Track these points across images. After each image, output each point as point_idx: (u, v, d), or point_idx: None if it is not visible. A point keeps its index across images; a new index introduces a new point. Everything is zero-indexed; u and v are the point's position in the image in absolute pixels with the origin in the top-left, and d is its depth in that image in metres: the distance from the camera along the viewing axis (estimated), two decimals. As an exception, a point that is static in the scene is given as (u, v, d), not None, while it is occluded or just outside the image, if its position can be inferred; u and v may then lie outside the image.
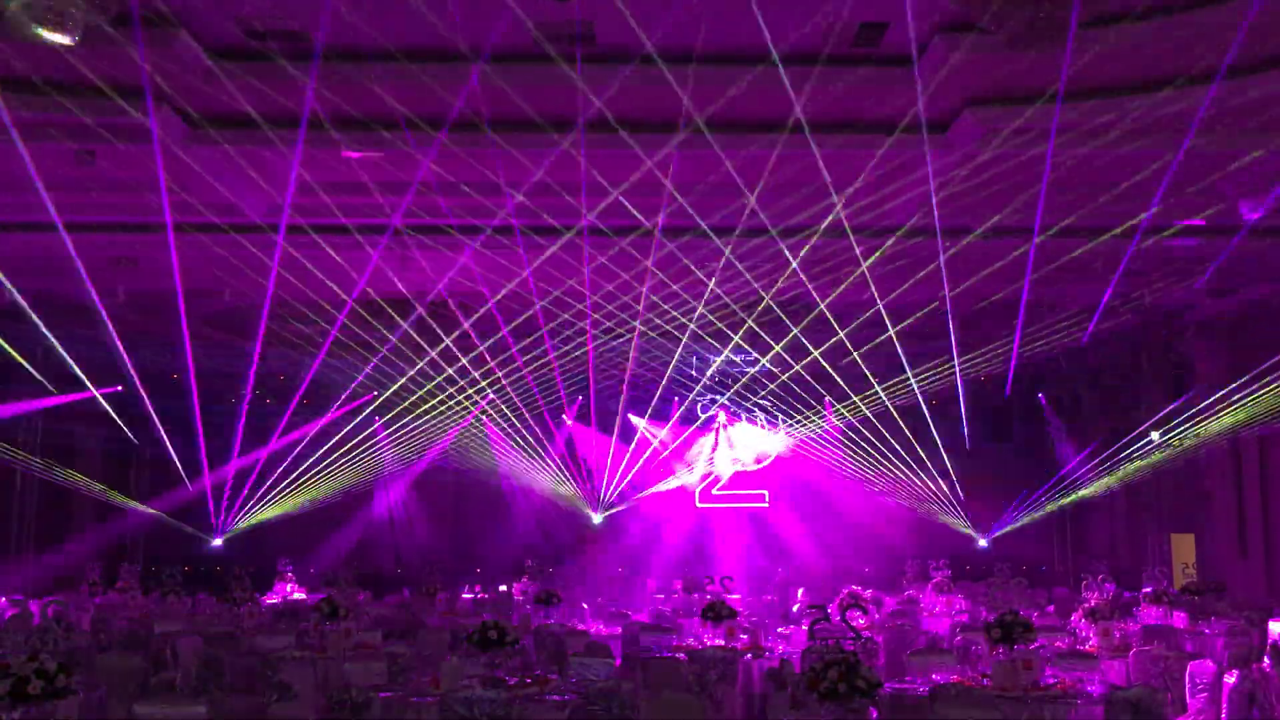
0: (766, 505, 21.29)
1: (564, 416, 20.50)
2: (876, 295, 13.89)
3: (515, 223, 12.00)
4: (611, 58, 8.80)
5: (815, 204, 11.53)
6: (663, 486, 21.26)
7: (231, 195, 11.43)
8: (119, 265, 13.99)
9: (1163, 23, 8.15)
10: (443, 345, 15.93)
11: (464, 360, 16.74)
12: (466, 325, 15.29)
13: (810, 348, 16.26)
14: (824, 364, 16.84)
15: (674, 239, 12.45)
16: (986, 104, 9.65)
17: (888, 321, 14.69)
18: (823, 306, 14.45)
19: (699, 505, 21.35)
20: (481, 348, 16.37)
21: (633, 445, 21.00)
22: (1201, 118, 9.50)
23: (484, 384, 17.94)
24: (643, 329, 15.74)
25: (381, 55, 8.75)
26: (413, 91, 9.19)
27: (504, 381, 17.95)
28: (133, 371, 15.38)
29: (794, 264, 13.02)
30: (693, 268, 13.40)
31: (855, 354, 16.07)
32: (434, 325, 15.54)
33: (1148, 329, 15.59)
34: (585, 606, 13.80)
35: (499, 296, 14.50)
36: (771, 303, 14.62)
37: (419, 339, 15.91)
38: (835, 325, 15.03)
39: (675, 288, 14.38)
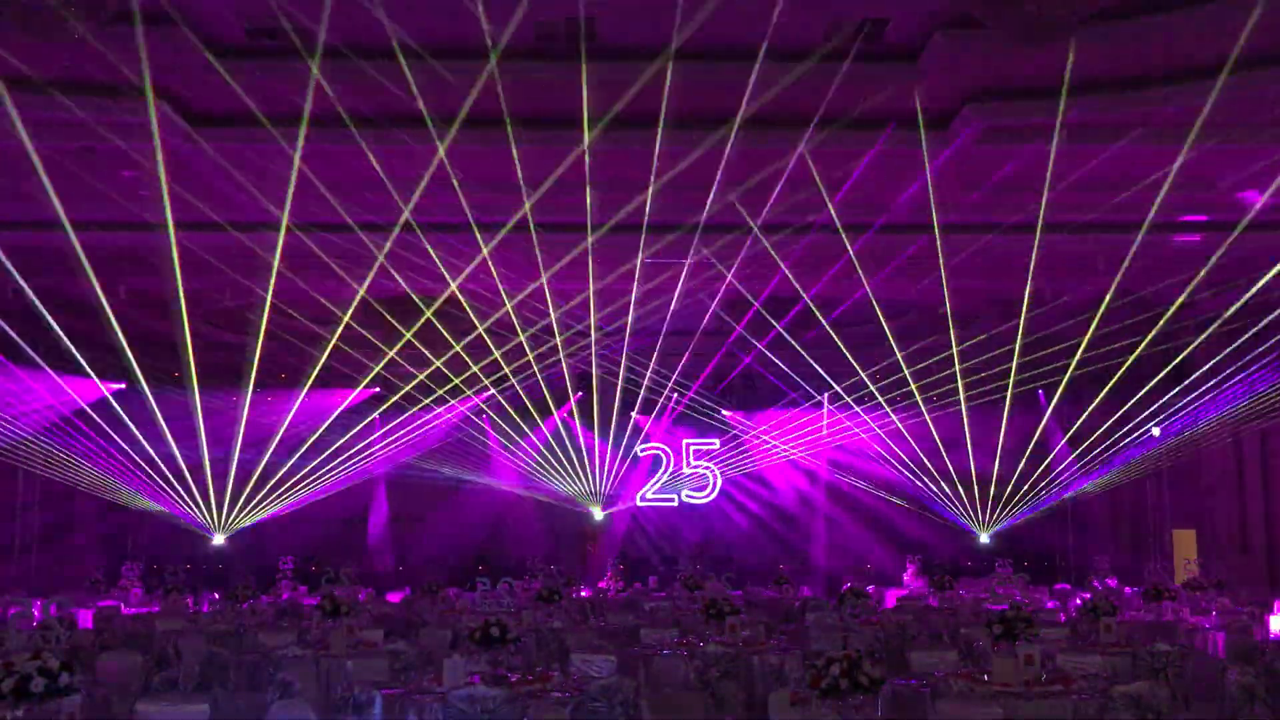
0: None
1: (565, 416, 20.48)
2: (870, 291, 13.90)
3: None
4: (611, 55, 8.80)
5: (813, 200, 11.54)
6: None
7: (236, 193, 11.45)
8: (120, 263, 14.00)
9: (1163, 19, 8.15)
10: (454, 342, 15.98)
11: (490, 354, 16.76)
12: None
13: (801, 349, 16.27)
14: (817, 365, 16.86)
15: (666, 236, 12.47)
16: (987, 100, 9.64)
17: (883, 318, 14.73)
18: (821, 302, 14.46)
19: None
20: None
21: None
22: (1201, 114, 9.52)
23: (487, 379, 17.94)
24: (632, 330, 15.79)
25: (384, 53, 8.76)
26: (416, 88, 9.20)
27: (512, 378, 17.96)
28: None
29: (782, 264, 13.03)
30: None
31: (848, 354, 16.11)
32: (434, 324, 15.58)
33: (1148, 325, 15.58)
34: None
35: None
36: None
37: (419, 338, 15.95)
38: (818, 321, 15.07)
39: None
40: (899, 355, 16.04)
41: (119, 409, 16.88)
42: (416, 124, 9.62)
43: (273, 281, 13.51)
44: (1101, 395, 17.22)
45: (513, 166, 10.50)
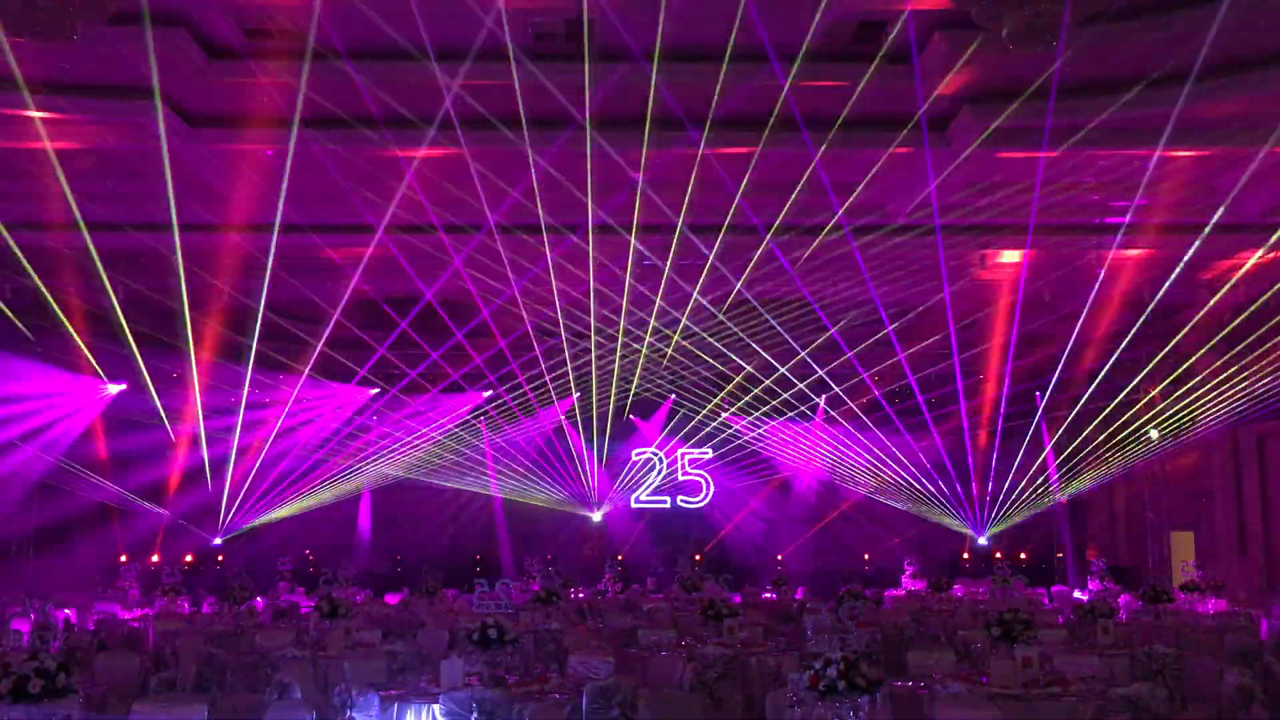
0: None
1: (561, 419, 20.45)
2: (874, 293, 13.88)
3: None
4: (608, 56, 8.80)
5: (813, 202, 11.55)
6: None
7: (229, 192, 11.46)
8: (119, 264, 13.98)
9: (1163, 20, 8.16)
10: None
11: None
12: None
13: (798, 349, 16.24)
14: (815, 365, 16.84)
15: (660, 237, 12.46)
16: (986, 102, 9.64)
17: (885, 319, 14.73)
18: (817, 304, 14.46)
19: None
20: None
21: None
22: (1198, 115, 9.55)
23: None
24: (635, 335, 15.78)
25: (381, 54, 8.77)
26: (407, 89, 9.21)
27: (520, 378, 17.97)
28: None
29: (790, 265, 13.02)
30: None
31: (850, 354, 16.09)
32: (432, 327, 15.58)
33: (1146, 326, 15.61)
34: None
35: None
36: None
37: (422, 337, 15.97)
38: (828, 324, 15.06)
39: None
40: (901, 356, 16.04)
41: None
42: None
43: (267, 281, 13.53)
44: (1088, 394, 17.24)
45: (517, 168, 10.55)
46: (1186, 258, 12.62)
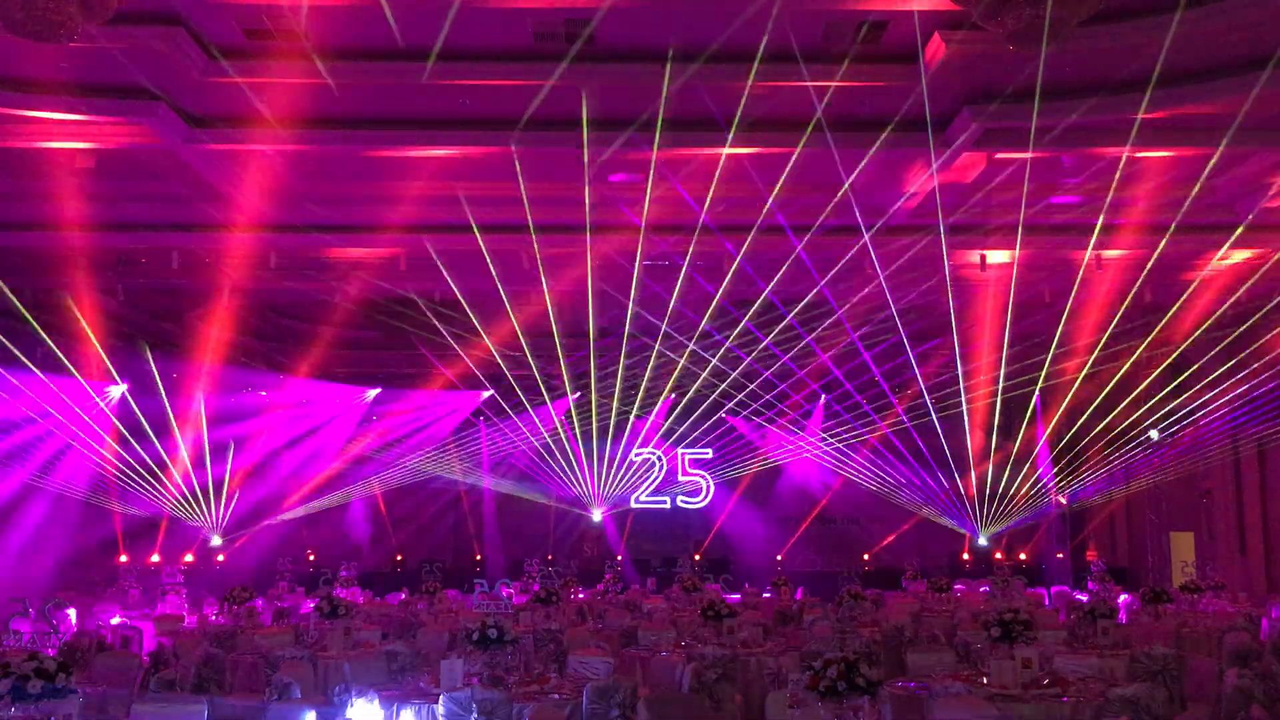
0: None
1: (560, 417, 20.44)
2: (889, 295, 13.88)
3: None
4: (608, 56, 8.80)
5: (811, 202, 11.55)
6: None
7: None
8: (119, 264, 13.99)
9: (1162, 21, 8.16)
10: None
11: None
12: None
13: (815, 348, 16.22)
14: (831, 364, 16.84)
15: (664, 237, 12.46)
16: (985, 102, 9.64)
17: (897, 320, 14.73)
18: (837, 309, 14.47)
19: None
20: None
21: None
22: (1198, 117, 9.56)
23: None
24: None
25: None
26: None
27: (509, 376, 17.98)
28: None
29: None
30: (684, 267, 13.41)
31: (866, 355, 16.08)
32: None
33: (1146, 327, 15.60)
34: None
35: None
36: (774, 299, 14.62)
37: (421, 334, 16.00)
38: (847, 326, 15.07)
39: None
40: (911, 355, 16.03)
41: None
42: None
43: (267, 281, 13.50)
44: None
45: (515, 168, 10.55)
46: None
